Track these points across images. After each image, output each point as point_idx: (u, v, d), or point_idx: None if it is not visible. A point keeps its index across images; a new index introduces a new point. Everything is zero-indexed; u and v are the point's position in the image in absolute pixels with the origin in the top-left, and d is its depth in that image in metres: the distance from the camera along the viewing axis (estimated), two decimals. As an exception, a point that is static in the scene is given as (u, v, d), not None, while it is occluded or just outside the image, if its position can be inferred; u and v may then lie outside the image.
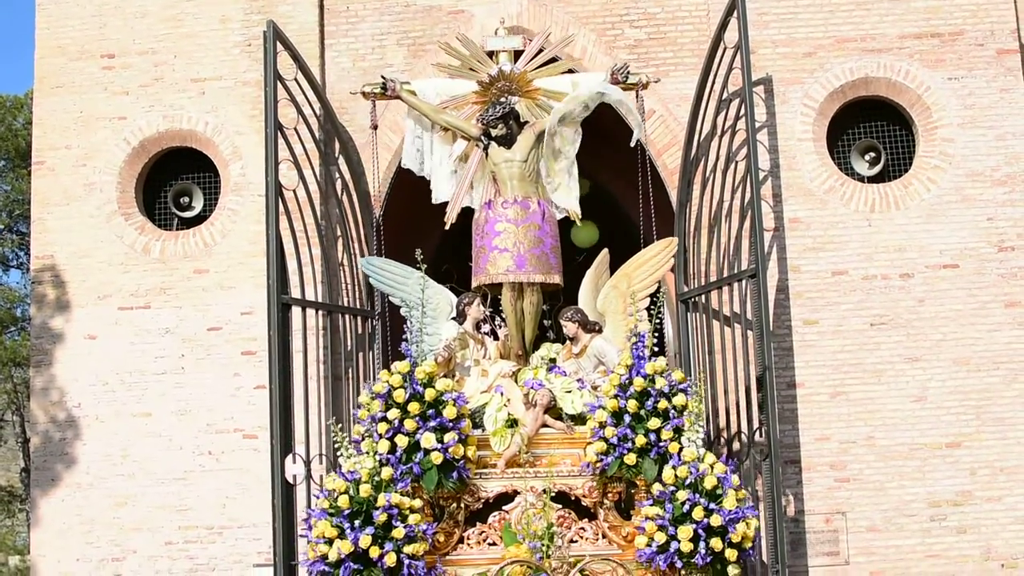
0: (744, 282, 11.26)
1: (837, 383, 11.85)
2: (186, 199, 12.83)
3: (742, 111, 11.24)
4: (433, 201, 10.91)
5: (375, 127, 11.22)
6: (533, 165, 10.50)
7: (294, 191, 11.34)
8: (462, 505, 9.45)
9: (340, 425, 9.47)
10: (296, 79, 11.54)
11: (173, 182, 12.91)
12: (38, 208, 12.74)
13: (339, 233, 12.09)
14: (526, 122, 10.70)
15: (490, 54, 11.03)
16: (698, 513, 8.89)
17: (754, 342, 11.15)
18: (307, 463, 10.76)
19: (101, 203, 12.58)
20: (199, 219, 12.74)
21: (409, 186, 11.98)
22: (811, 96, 12.26)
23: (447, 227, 10.87)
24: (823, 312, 11.96)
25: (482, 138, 10.61)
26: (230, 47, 12.70)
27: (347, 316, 11.93)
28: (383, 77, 11.00)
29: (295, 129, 11.49)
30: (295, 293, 11.32)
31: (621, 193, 14.86)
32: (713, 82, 11.67)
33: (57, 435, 12.32)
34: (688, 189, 12.06)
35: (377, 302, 11.98)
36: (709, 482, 9.04)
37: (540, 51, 10.99)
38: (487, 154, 10.59)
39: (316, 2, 12.70)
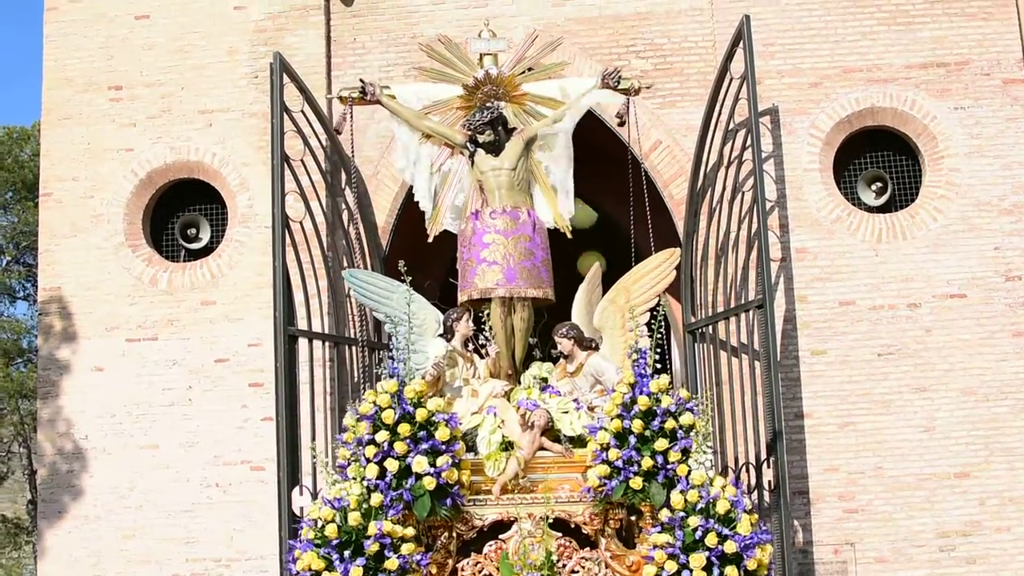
0: (751, 312, 11.23)
1: (845, 413, 11.79)
2: (193, 231, 12.84)
3: (748, 141, 11.23)
4: (422, 208, 10.61)
5: (339, 132, 11.07)
6: (522, 173, 10.08)
7: (301, 223, 11.33)
8: (454, 534, 9.04)
9: (313, 446, 9.15)
10: (303, 111, 11.57)
11: (180, 214, 12.93)
12: (45, 240, 12.75)
13: (346, 264, 12.07)
14: (513, 128, 10.30)
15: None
16: (711, 540, 8.49)
17: (761, 373, 11.12)
18: (314, 495, 10.70)
19: (108, 235, 12.60)
20: (206, 251, 12.74)
21: (417, 217, 11.96)
22: (817, 126, 12.27)
23: (429, 240, 10.52)
24: (830, 342, 11.93)
25: (468, 145, 10.21)
26: (237, 79, 12.74)
27: (354, 347, 11.89)
28: (361, 81, 10.69)
29: (302, 161, 11.49)
30: (302, 325, 11.29)
31: (626, 221, 14.81)
32: (719, 112, 11.67)
33: (64, 467, 12.30)
34: (695, 219, 12.05)
35: (384, 334, 11.93)
36: (721, 506, 8.64)
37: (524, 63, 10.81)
38: (473, 162, 10.19)
39: (323, 34, 12.73)
